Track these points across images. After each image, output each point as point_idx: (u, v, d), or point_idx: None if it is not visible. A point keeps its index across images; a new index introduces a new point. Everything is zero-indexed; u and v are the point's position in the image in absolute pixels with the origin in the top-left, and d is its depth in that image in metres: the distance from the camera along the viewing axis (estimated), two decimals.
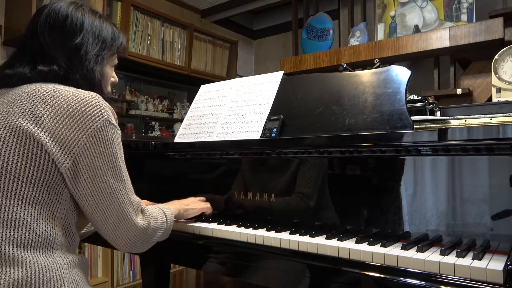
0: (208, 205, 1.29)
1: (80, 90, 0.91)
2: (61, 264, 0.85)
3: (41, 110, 0.86)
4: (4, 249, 0.79)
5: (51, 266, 0.82)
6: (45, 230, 0.84)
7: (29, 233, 0.82)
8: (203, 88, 1.66)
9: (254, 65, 4.67)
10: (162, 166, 1.54)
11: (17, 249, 0.80)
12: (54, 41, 0.96)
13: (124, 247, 0.94)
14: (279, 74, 1.44)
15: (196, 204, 1.27)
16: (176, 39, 3.51)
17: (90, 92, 0.91)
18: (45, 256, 0.83)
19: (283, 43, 4.33)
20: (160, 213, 1.03)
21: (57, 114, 0.86)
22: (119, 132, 0.94)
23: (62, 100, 0.87)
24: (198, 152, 1.41)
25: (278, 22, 4.38)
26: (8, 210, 0.81)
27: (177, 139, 1.55)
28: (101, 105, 0.90)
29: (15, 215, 0.81)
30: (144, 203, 1.07)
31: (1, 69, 0.96)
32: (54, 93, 0.88)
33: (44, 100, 0.87)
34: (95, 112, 0.88)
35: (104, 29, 1.03)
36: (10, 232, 0.80)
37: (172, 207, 1.14)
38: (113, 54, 1.08)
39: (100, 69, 1.03)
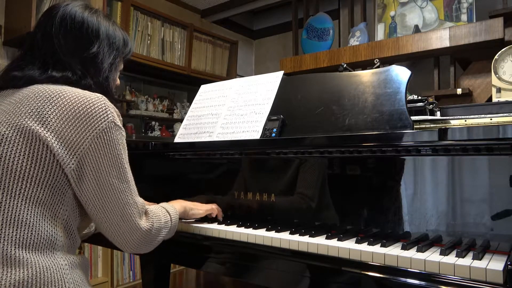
0: (213, 206, 1.26)
1: (86, 91, 0.91)
2: (62, 264, 0.85)
3: (48, 111, 0.86)
4: (6, 249, 0.79)
5: (52, 267, 0.82)
6: (47, 230, 0.84)
7: (31, 233, 0.82)
8: (203, 88, 1.66)
9: (254, 65, 4.67)
10: (162, 166, 1.54)
11: (19, 249, 0.80)
12: (69, 47, 0.96)
13: (129, 248, 0.94)
14: (279, 74, 1.44)
15: (202, 205, 1.25)
16: (176, 39, 3.51)
17: (96, 94, 0.92)
18: (47, 256, 0.83)
19: (283, 43, 4.33)
20: (164, 213, 1.03)
21: (63, 115, 0.86)
22: (124, 133, 0.95)
23: (68, 101, 0.87)
24: (198, 152, 1.41)
25: (278, 22, 4.38)
26: (11, 209, 0.81)
27: (177, 139, 1.55)
28: (106, 107, 0.90)
29: (18, 215, 0.81)
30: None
31: (9, 70, 0.96)
32: (60, 94, 0.88)
33: (50, 101, 0.87)
34: (101, 113, 0.88)
35: (117, 37, 1.04)
36: (12, 232, 0.80)
37: (177, 206, 1.14)
38: (121, 60, 1.10)
39: (113, 76, 1.05)
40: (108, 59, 1.01)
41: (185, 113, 1.84)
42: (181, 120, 3.50)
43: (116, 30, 1.05)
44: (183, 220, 1.26)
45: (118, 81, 1.14)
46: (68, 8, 0.98)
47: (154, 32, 3.33)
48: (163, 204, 1.10)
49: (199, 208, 1.23)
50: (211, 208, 1.25)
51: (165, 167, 1.53)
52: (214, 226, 1.19)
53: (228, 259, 1.14)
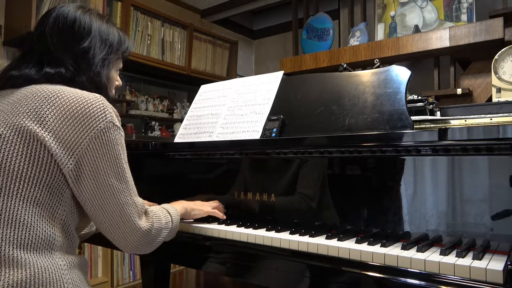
0: (214, 205, 1.25)
1: (84, 91, 0.92)
2: (60, 265, 0.85)
3: (46, 111, 0.86)
4: (4, 249, 0.79)
5: (50, 267, 0.82)
6: (45, 231, 0.84)
7: (29, 233, 0.82)
8: (203, 88, 1.66)
9: (254, 65, 4.67)
10: (162, 166, 1.54)
11: (17, 250, 0.80)
12: (62, 44, 0.97)
13: (129, 249, 0.93)
14: (279, 74, 1.44)
15: (204, 206, 1.24)
16: (176, 39, 3.51)
17: (94, 94, 0.92)
18: (45, 257, 0.83)
19: (283, 43, 4.33)
20: (164, 213, 1.03)
21: (61, 115, 0.86)
22: (123, 133, 0.95)
23: (66, 101, 0.87)
24: (198, 152, 1.41)
25: (278, 22, 4.37)
26: (9, 210, 0.81)
27: (177, 139, 1.55)
28: (104, 107, 0.90)
29: (16, 215, 0.81)
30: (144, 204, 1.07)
31: (7, 70, 0.97)
32: (58, 94, 0.88)
33: (48, 101, 0.87)
34: (99, 114, 0.88)
35: (111, 33, 1.05)
36: (10, 232, 0.80)
37: (178, 206, 1.14)
38: (118, 58, 1.10)
39: (106, 72, 1.04)
40: (100, 54, 1.01)
41: (185, 113, 1.84)
42: (181, 120, 3.50)
43: (110, 27, 1.05)
44: (183, 220, 1.26)
45: (120, 82, 1.14)
46: (61, 9, 1.00)
47: (154, 32, 3.33)
48: (164, 205, 1.10)
49: (201, 209, 1.23)
50: (213, 211, 1.24)
51: (165, 167, 1.53)
52: (214, 226, 1.19)
53: (228, 259, 1.14)
